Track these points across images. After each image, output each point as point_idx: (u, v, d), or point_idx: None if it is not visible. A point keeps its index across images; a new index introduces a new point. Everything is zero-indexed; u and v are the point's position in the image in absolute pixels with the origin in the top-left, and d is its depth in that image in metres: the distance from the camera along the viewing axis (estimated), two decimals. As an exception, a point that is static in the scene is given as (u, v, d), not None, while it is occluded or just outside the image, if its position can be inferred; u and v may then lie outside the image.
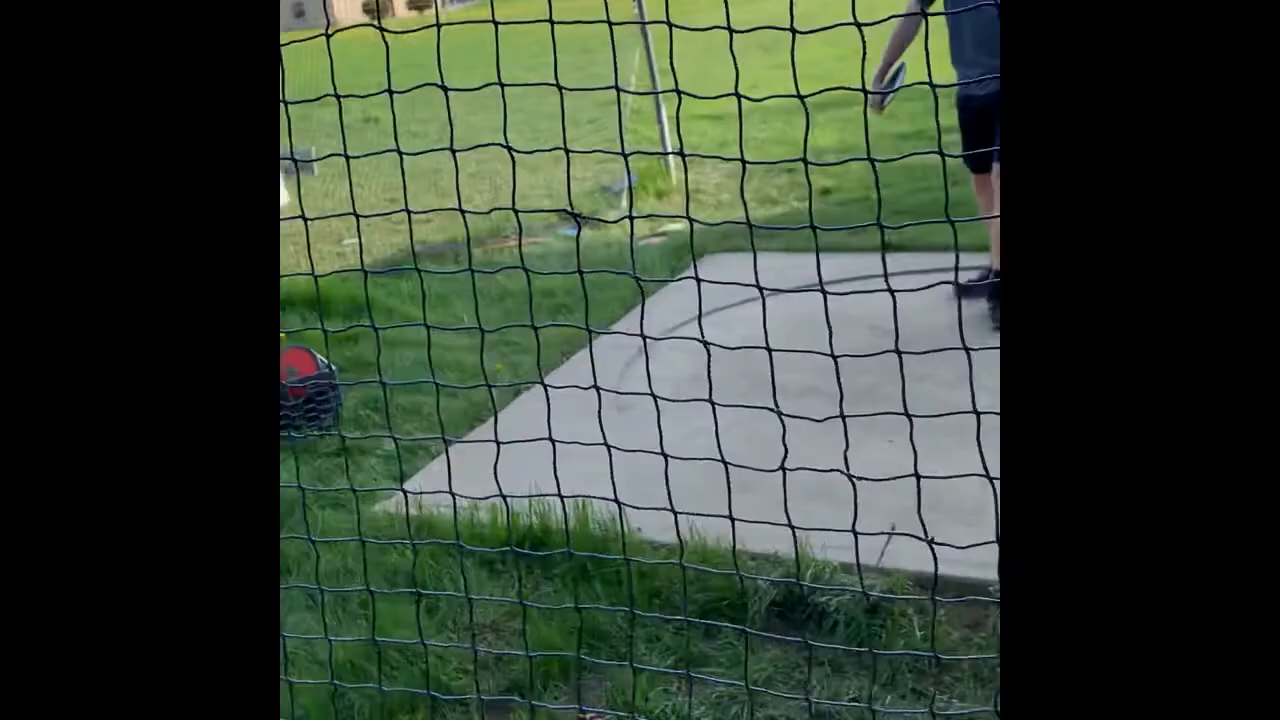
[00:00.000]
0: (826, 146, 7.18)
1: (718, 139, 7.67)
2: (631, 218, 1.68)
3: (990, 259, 4.28)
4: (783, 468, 1.66)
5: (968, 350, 1.56)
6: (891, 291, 1.53)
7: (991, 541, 1.57)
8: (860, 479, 1.64)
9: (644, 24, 6.76)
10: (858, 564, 1.89)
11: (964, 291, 4.11)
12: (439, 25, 1.63)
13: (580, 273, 1.71)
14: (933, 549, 1.67)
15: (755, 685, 2.26)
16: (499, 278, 4.90)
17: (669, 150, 7.07)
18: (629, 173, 5.22)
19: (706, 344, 1.65)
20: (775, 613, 2.51)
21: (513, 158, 1.65)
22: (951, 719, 2.14)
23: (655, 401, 1.71)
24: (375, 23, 2.44)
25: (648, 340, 1.68)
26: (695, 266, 1.84)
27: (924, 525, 1.61)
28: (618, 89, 1.59)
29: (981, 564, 1.75)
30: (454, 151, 1.68)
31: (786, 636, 2.40)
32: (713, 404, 1.67)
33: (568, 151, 1.63)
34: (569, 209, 1.70)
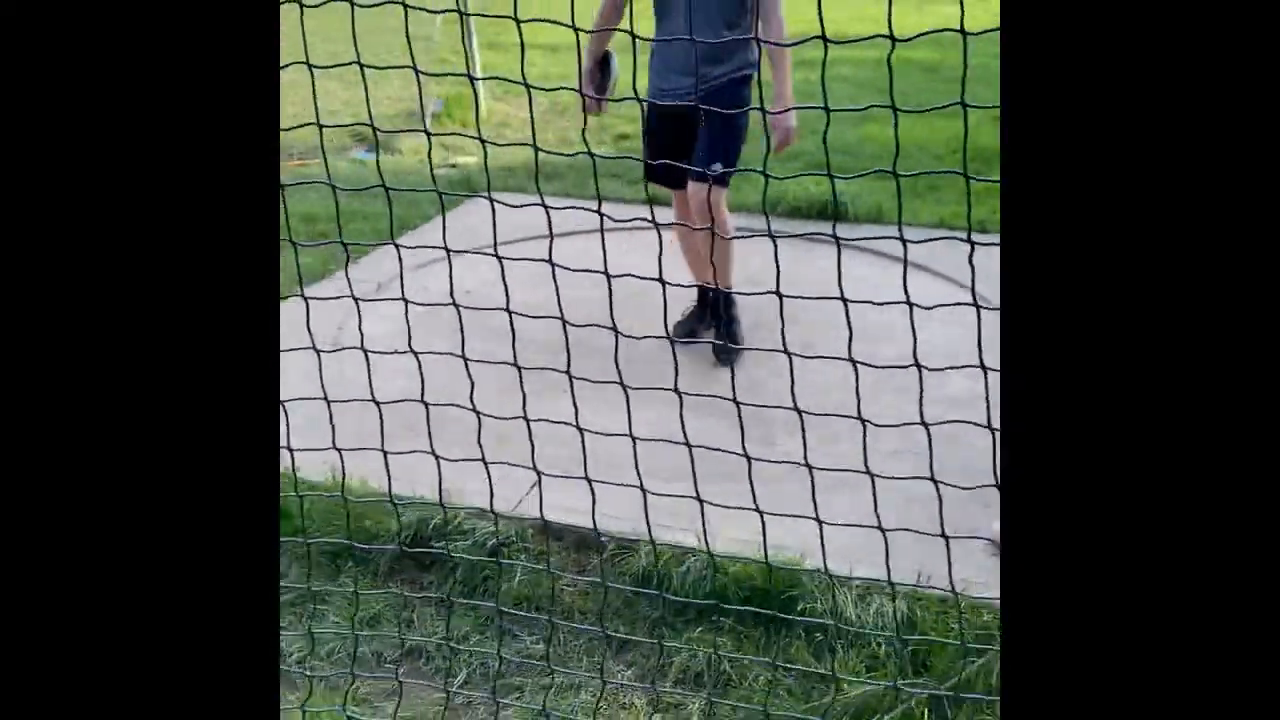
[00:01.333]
0: (644, 89, 7.17)
1: (541, 72, 7.61)
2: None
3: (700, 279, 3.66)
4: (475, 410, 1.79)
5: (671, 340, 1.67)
6: (604, 240, 1.64)
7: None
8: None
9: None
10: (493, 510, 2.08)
11: (723, 352, 3.59)
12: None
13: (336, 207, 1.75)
14: (541, 498, 1.83)
15: (363, 624, 2.39)
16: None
17: (477, 76, 7.01)
18: (436, 99, 5.14)
19: (407, 300, 1.84)
20: (405, 554, 2.63)
21: (311, 73, 1.70)
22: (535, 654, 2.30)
23: (364, 350, 1.83)
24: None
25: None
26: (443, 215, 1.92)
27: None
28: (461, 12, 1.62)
29: (601, 514, 1.88)
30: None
31: (405, 577, 2.52)
32: (415, 353, 1.82)
33: (363, 67, 1.67)
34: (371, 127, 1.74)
